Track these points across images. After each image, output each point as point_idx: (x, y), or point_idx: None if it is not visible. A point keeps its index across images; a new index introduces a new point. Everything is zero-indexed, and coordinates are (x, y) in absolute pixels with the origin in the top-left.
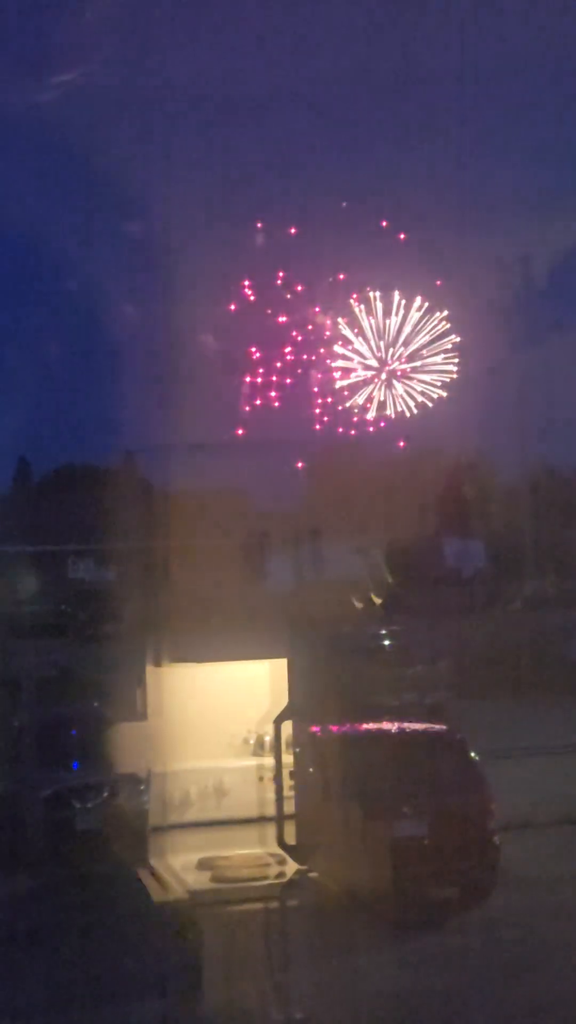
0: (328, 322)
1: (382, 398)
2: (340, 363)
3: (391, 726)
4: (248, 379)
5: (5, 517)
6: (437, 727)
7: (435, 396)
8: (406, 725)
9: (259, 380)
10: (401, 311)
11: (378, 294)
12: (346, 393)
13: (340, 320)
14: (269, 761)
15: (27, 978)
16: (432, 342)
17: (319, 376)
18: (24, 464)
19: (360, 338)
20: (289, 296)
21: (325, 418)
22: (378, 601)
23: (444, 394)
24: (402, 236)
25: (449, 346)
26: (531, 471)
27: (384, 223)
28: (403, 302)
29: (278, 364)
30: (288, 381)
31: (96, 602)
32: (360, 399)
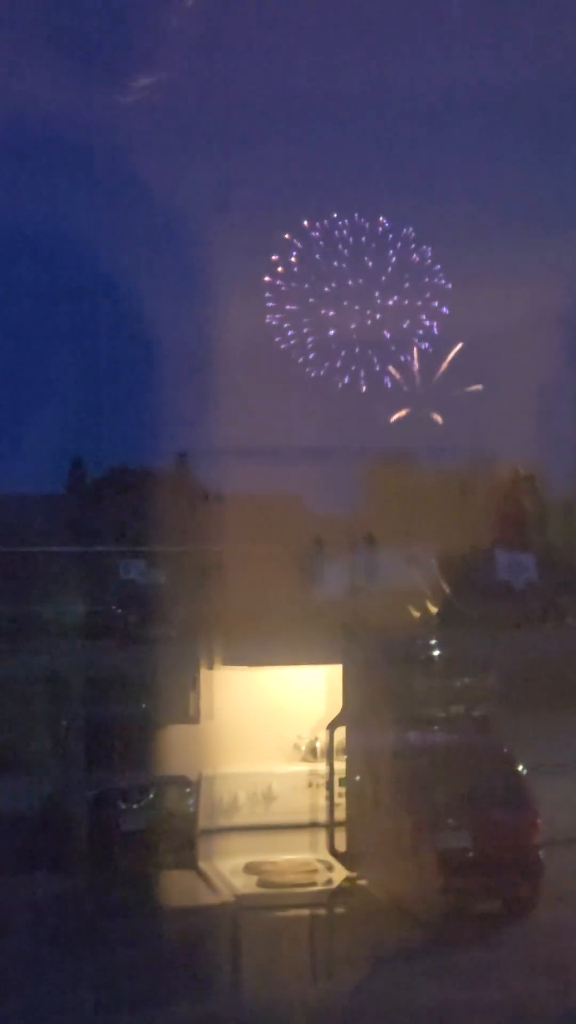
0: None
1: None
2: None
3: (440, 737)
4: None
5: (58, 518)
6: (485, 739)
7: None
8: (454, 736)
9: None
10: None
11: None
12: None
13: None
14: (319, 767)
15: (73, 979)
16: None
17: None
18: (78, 466)
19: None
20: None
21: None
22: (434, 610)
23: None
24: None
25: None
26: None
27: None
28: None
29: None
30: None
31: (148, 604)
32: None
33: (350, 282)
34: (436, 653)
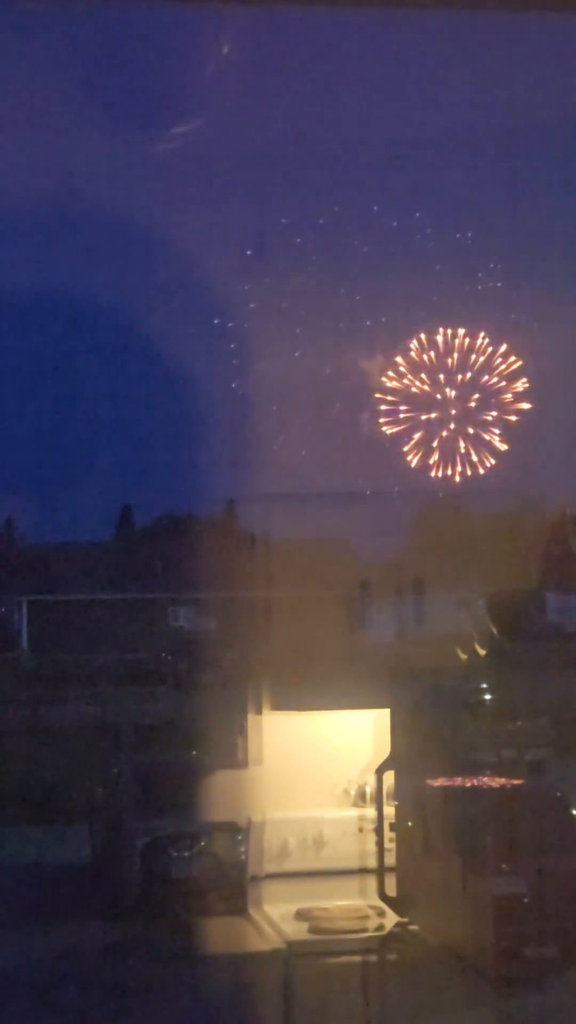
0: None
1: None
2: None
3: (492, 781)
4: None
5: (107, 566)
6: (537, 784)
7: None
8: (506, 781)
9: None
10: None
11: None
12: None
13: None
14: (369, 812)
15: None
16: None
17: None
18: (126, 513)
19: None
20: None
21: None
22: (482, 653)
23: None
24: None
25: (520, 388)
26: None
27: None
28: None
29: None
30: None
31: (196, 650)
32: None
33: None
34: (487, 696)
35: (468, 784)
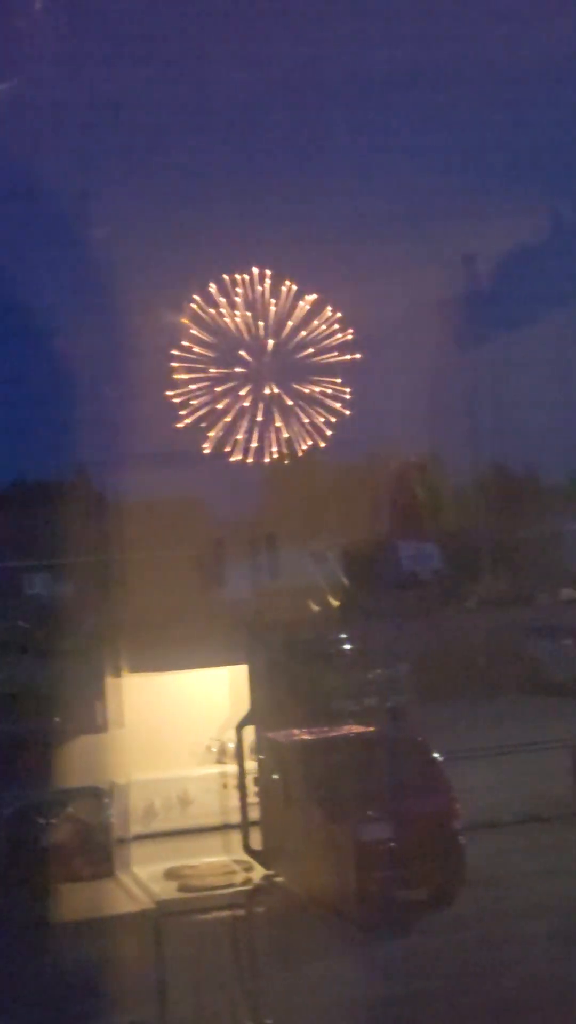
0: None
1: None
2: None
3: (353, 730)
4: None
5: None
6: (398, 730)
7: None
8: (368, 729)
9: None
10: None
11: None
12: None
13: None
14: (232, 768)
15: None
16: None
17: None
18: None
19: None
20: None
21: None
22: (335, 605)
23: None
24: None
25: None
26: (481, 471)
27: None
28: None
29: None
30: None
31: (53, 617)
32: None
33: None
34: (346, 647)
35: (328, 735)
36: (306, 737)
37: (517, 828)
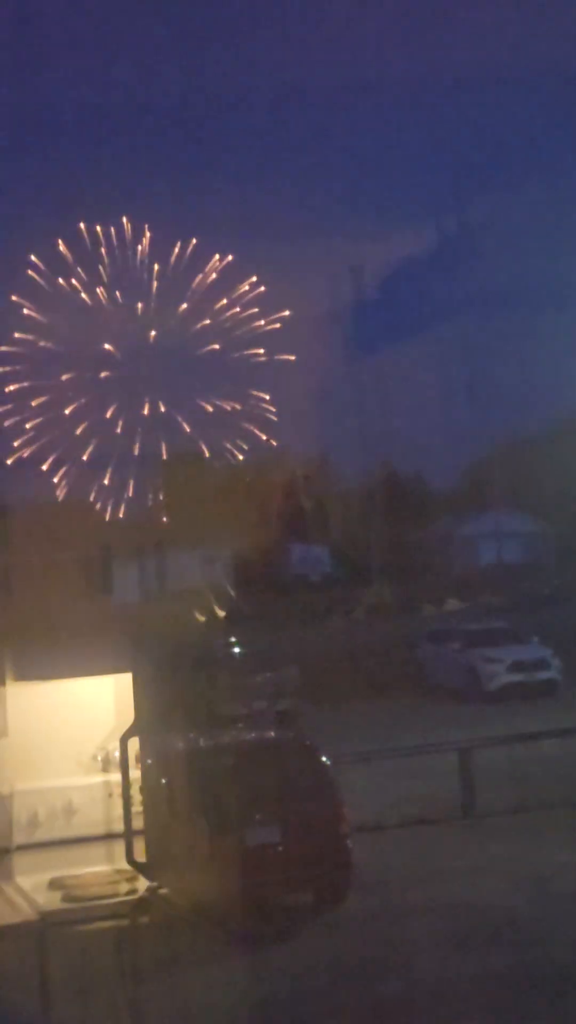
0: None
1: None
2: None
3: (239, 735)
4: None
5: None
6: (286, 733)
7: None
8: (255, 733)
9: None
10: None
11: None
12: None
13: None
14: (117, 777)
15: None
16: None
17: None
18: None
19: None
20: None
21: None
22: (221, 612)
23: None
24: None
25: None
26: (372, 477)
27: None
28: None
29: None
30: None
31: None
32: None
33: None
34: (235, 650)
35: (214, 739)
36: (191, 743)
37: (404, 831)
